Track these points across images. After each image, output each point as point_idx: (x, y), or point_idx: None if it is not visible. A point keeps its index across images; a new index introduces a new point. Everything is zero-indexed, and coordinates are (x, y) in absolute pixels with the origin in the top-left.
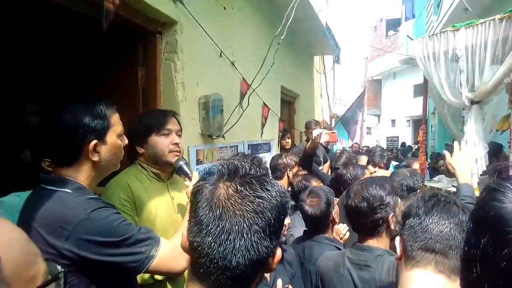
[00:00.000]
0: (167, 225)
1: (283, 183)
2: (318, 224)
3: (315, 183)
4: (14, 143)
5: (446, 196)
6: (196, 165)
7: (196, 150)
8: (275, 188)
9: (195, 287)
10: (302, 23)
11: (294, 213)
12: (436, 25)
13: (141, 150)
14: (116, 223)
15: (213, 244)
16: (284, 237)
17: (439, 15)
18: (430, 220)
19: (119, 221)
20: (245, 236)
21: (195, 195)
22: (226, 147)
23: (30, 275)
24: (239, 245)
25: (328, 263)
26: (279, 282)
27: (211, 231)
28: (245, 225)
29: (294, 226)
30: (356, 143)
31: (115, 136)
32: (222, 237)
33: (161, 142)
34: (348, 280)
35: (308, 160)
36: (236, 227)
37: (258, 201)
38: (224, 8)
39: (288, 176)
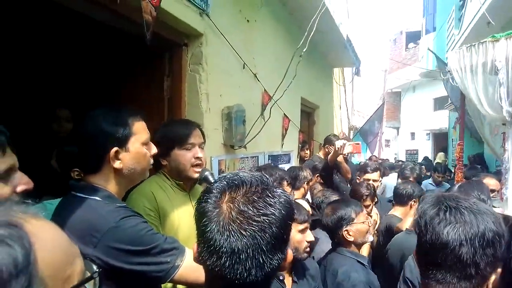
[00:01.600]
0: (189, 235)
1: (299, 194)
2: (332, 236)
3: (334, 197)
4: (45, 148)
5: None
6: (218, 175)
7: (219, 160)
8: (278, 200)
9: None
10: (323, 35)
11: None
12: (457, 38)
13: (164, 162)
14: (143, 232)
15: (225, 266)
16: (306, 254)
17: (461, 29)
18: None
19: (146, 230)
20: (256, 255)
21: (200, 217)
22: (247, 157)
23: (67, 274)
24: (251, 264)
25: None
26: None
27: (222, 254)
28: (254, 244)
29: (322, 241)
30: (374, 155)
31: (139, 144)
32: (234, 258)
33: (183, 157)
34: None
35: (328, 171)
36: (245, 247)
37: (263, 219)
38: (248, 21)
39: (304, 188)
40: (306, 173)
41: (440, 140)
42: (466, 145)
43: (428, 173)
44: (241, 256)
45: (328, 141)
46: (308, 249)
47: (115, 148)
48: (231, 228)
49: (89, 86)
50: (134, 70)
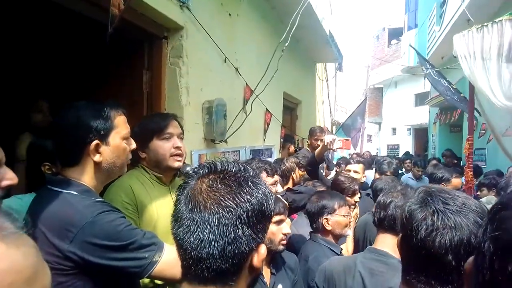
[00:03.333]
0: (168, 229)
1: (289, 186)
2: (311, 222)
3: (322, 188)
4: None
5: None
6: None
7: (199, 154)
8: (249, 184)
9: (184, 283)
10: (305, 30)
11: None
12: (438, 35)
13: (143, 155)
14: (121, 227)
15: (185, 235)
16: (282, 246)
17: (442, 26)
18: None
19: (124, 225)
20: (213, 227)
21: (179, 191)
22: (228, 151)
23: None
24: (207, 236)
25: (338, 265)
26: (280, 287)
27: (183, 222)
28: (214, 217)
29: (299, 225)
30: (355, 153)
31: (119, 138)
32: (192, 227)
33: (163, 147)
34: (359, 283)
35: (315, 165)
36: (205, 219)
37: (228, 196)
38: (230, 14)
39: (292, 179)
40: (288, 164)
41: (421, 135)
42: (444, 140)
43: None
44: (199, 227)
45: (312, 133)
46: (284, 241)
47: (96, 141)
48: (197, 199)
49: (67, 79)
50: (113, 63)
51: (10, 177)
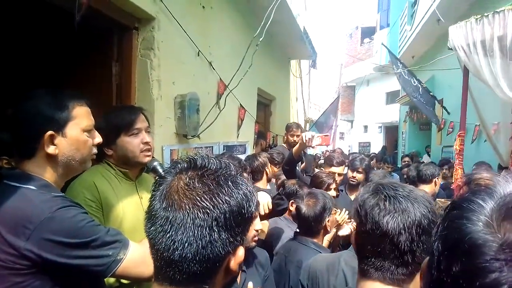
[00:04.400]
0: (135, 226)
1: (263, 182)
2: (309, 227)
3: (306, 188)
4: None
5: None
6: (173, 161)
7: (171, 149)
8: (229, 184)
9: (155, 284)
10: (280, 25)
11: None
12: (409, 34)
13: (109, 152)
14: (82, 223)
15: (157, 234)
16: (254, 243)
17: (413, 25)
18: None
19: (86, 221)
20: (187, 229)
21: (154, 187)
22: (201, 147)
23: None
24: (181, 237)
25: (321, 264)
26: (250, 285)
27: (157, 221)
28: (188, 218)
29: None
30: (339, 148)
31: (79, 130)
32: (165, 227)
33: (131, 143)
34: (342, 281)
35: (293, 164)
36: (179, 219)
37: (205, 196)
38: (203, 7)
39: (266, 174)
40: (261, 159)
41: (391, 132)
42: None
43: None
44: (172, 227)
45: (288, 128)
46: (256, 238)
47: (49, 132)
48: (172, 197)
49: (33, 69)
50: (81, 54)
51: None
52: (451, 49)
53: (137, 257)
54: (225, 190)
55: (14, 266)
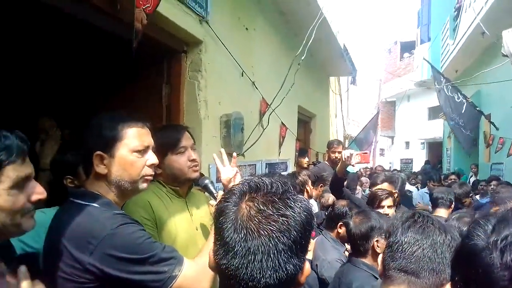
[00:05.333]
0: (187, 243)
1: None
2: (355, 245)
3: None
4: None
5: (424, 216)
6: (216, 182)
7: (216, 168)
8: (298, 204)
9: None
10: (320, 44)
11: (325, 237)
12: (452, 48)
13: (158, 171)
14: (141, 240)
15: (240, 265)
16: None
17: (455, 39)
18: (405, 240)
19: (144, 238)
20: (271, 256)
21: (219, 216)
22: (245, 165)
23: None
24: (266, 265)
25: None
26: None
27: (237, 252)
28: (270, 244)
29: (325, 249)
30: (380, 165)
31: (127, 150)
32: (249, 258)
33: (178, 161)
34: None
35: (339, 184)
36: (262, 247)
37: (282, 220)
38: (246, 28)
39: (307, 191)
40: (302, 177)
41: (435, 149)
42: (460, 154)
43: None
44: (256, 257)
45: (329, 145)
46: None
47: (97, 152)
48: (249, 226)
49: (88, 93)
50: (133, 76)
51: (39, 192)
52: (506, 55)
53: (191, 274)
54: (294, 211)
55: (79, 280)
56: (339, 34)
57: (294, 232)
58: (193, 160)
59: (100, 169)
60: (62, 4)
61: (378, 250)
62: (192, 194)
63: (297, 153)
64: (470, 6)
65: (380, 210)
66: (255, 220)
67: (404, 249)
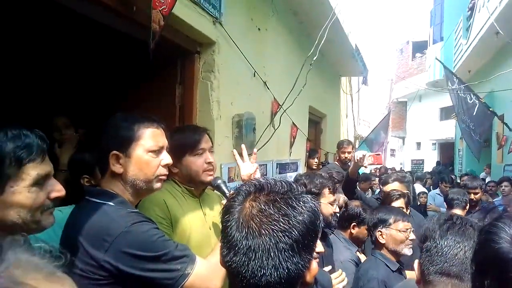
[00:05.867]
0: (201, 242)
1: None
2: (370, 235)
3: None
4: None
5: (462, 219)
6: (228, 182)
7: (228, 167)
8: (301, 204)
9: None
10: (332, 44)
11: (336, 237)
12: (465, 48)
13: (175, 170)
14: (155, 237)
15: (241, 263)
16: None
17: (469, 39)
18: (445, 243)
19: (158, 236)
20: (272, 254)
21: (224, 215)
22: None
23: None
24: (267, 263)
25: None
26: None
27: (239, 250)
28: (271, 243)
29: (337, 249)
30: (384, 167)
31: (143, 150)
32: (250, 255)
33: (195, 163)
34: None
35: (352, 185)
36: (263, 246)
37: (283, 219)
38: (259, 29)
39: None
40: (324, 179)
41: (446, 150)
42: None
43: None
44: (257, 255)
45: (339, 145)
46: (317, 259)
47: (114, 152)
48: (250, 225)
49: (102, 93)
50: (147, 77)
51: (58, 189)
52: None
53: (203, 272)
54: (297, 211)
55: (94, 277)
56: (351, 34)
57: (296, 231)
58: (210, 163)
59: (116, 168)
60: (77, 6)
61: (380, 240)
62: (206, 194)
63: (307, 154)
64: (484, 5)
65: None
66: (257, 219)
67: (444, 252)
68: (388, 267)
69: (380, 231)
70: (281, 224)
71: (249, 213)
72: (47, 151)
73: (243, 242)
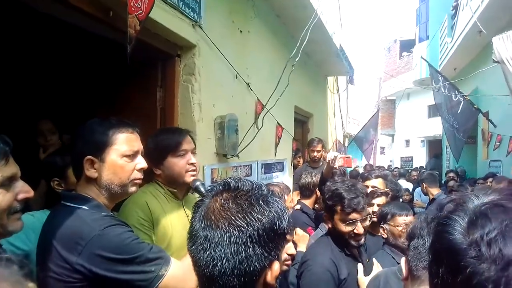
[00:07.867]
0: (182, 244)
1: (311, 201)
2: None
3: None
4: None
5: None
6: (211, 183)
7: (211, 169)
8: (261, 204)
9: None
10: (316, 45)
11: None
12: (450, 46)
13: (157, 171)
14: (128, 240)
15: (198, 252)
16: (286, 267)
17: (453, 37)
18: None
19: (131, 239)
20: (224, 246)
21: (194, 209)
22: (240, 166)
23: None
24: (219, 254)
25: None
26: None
27: (197, 240)
28: (225, 236)
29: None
30: (369, 164)
31: (117, 155)
32: (205, 246)
33: (178, 164)
34: None
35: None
36: (218, 237)
37: (240, 215)
38: (241, 31)
39: (316, 195)
40: (316, 179)
41: (434, 147)
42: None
43: None
44: (211, 245)
45: (309, 144)
46: (288, 261)
47: (88, 156)
48: (209, 217)
49: (82, 97)
50: (127, 81)
51: (26, 190)
52: (498, 62)
53: (178, 273)
54: (257, 209)
55: (68, 280)
56: (335, 35)
57: (251, 228)
58: (192, 164)
59: (91, 173)
60: (55, 12)
61: (383, 235)
62: (188, 197)
63: (293, 153)
64: (467, 4)
65: (369, 209)
66: (216, 212)
67: None
68: (395, 260)
69: (382, 227)
70: (237, 219)
71: (212, 207)
72: (10, 153)
73: (201, 233)
